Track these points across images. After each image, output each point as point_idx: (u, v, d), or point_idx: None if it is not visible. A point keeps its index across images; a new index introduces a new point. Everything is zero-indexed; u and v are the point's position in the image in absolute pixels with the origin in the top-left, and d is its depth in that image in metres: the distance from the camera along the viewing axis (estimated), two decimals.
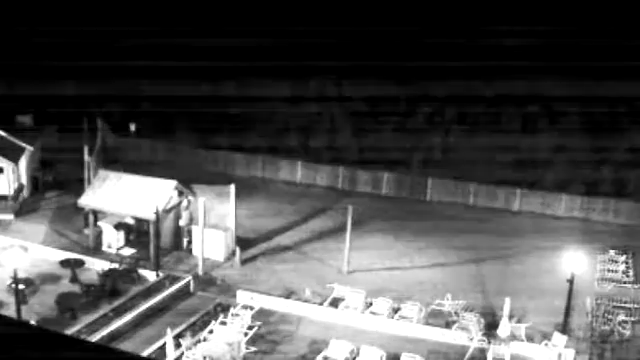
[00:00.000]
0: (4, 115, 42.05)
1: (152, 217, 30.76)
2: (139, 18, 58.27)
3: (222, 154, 46.15)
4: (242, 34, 58.13)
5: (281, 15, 60.69)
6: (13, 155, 37.99)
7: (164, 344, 24.42)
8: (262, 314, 27.57)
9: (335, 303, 28.66)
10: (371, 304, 28.50)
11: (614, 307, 28.52)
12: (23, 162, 38.66)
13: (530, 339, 26.34)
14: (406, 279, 31.55)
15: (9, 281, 26.43)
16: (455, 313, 27.91)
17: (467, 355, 25.43)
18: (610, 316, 27.65)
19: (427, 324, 27.44)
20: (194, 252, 32.68)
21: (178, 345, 24.47)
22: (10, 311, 25.13)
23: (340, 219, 34.85)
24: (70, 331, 24.58)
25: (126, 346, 24.70)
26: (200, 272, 31.25)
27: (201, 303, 28.67)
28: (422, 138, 49.19)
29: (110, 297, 28.19)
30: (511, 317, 27.11)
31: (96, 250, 32.59)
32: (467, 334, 26.32)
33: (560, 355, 25.00)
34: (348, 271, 31.88)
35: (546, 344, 25.61)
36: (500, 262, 33.62)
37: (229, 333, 25.24)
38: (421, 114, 52.72)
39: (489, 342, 25.80)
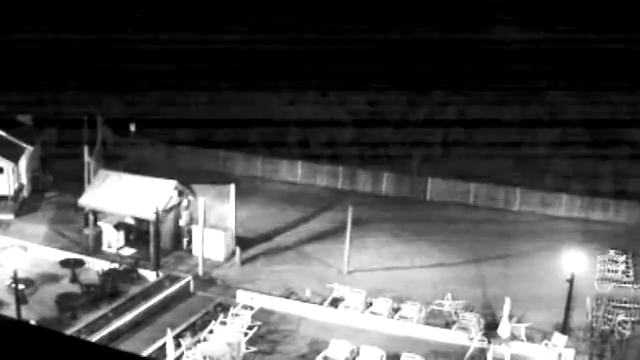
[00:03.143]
0: (4, 115, 42.02)
1: (152, 217, 30.76)
2: (138, 17, 58.30)
3: (222, 154, 46.13)
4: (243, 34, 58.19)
5: (282, 16, 60.77)
6: (13, 155, 37.99)
7: (164, 344, 24.41)
8: (262, 314, 27.57)
9: (335, 303, 28.65)
10: (371, 304, 28.48)
11: (614, 307, 28.50)
12: (23, 162, 38.65)
13: (530, 339, 26.33)
14: (406, 279, 31.53)
15: (9, 281, 26.43)
16: (455, 313, 27.91)
17: (467, 355, 25.43)
18: (610, 316, 27.63)
19: (427, 324, 27.43)
20: (194, 252, 32.67)
21: (178, 345, 24.47)
22: (10, 311, 25.12)
23: (340, 219, 34.84)
24: (70, 331, 24.57)
25: (126, 346, 24.71)
26: (200, 272, 31.25)
27: (201, 303, 28.68)
28: (422, 138, 49.29)
29: (110, 297, 28.18)
30: (511, 317, 27.09)
31: (96, 250, 32.59)
32: (467, 334, 26.31)
33: (560, 355, 25.00)
34: (348, 271, 31.87)
35: (546, 344, 25.61)
36: (500, 262, 33.62)
37: (229, 333, 25.23)
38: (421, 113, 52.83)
39: (489, 342, 25.80)
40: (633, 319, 27.77)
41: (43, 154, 42.18)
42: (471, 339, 26.09)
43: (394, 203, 41.77)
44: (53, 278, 29.75)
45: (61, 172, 40.87)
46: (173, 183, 32.80)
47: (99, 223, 33.14)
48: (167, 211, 32.54)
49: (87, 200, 33.16)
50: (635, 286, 31.08)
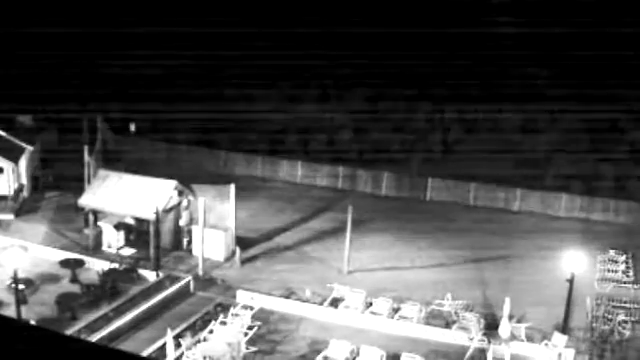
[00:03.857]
0: (4, 115, 42.02)
1: (152, 217, 30.76)
2: (139, 15, 58.26)
3: (222, 154, 46.15)
4: (242, 33, 58.13)
5: (281, 15, 60.72)
6: (13, 155, 38.00)
7: (164, 344, 24.41)
8: (262, 314, 27.58)
9: (335, 303, 28.65)
10: (371, 304, 28.49)
11: (614, 307, 28.50)
12: (23, 162, 38.66)
13: (530, 339, 26.34)
14: (406, 279, 31.54)
15: (9, 281, 26.43)
16: (455, 313, 27.91)
17: (467, 355, 25.43)
18: (610, 316, 27.63)
19: (427, 324, 27.44)
20: (194, 252, 32.68)
21: (178, 345, 24.47)
22: (10, 311, 25.12)
23: (340, 219, 34.84)
24: (70, 331, 24.56)
25: (126, 346, 24.70)
26: (200, 272, 31.25)
27: (201, 303, 28.68)
28: (422, 137, 49.29)
29: (110, 297, 28.19)
30: (511, 317, 27.09)
31: (96, 250, 32.59)
32: (467, 334, 26.32)
33: (560, 355, 25.00)
34: (348, 271, 31.87)
35: (546, 344, 25.61)
36: (500, 262, 33.62)
37: (229, 333, 25.23)
38: (421, 113, 52.79)
39: (489, 342, 25.80)
40: (633, 319, 27.77)
41: (43, 154, 42.17)
42: (471, 339, 26.10)
43: (394, 203, 41.79)
44: (53, 278, 29.75)
45: (61, 172, 40.88)
46: (173, 183, 32.81)
47: (99, 223, 33.15)
48: (167, 211, 32.54)
49: (87, 200, 33.17)
50: (635, 286, 31.09)
